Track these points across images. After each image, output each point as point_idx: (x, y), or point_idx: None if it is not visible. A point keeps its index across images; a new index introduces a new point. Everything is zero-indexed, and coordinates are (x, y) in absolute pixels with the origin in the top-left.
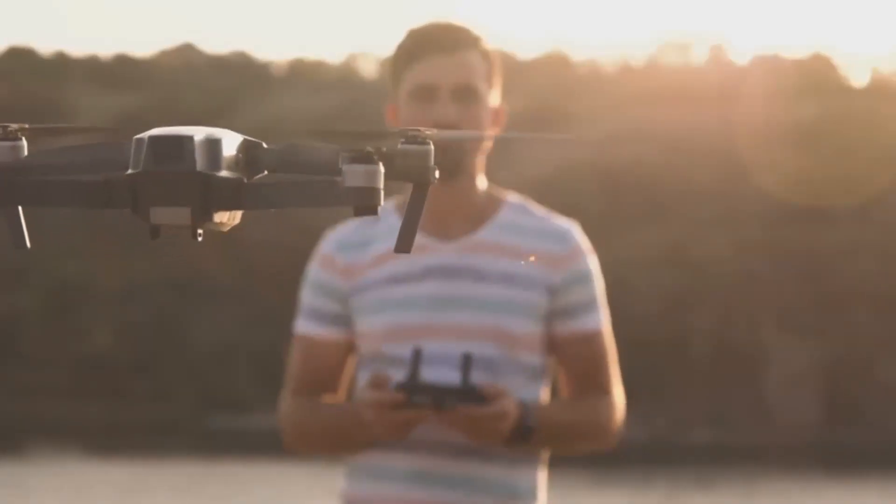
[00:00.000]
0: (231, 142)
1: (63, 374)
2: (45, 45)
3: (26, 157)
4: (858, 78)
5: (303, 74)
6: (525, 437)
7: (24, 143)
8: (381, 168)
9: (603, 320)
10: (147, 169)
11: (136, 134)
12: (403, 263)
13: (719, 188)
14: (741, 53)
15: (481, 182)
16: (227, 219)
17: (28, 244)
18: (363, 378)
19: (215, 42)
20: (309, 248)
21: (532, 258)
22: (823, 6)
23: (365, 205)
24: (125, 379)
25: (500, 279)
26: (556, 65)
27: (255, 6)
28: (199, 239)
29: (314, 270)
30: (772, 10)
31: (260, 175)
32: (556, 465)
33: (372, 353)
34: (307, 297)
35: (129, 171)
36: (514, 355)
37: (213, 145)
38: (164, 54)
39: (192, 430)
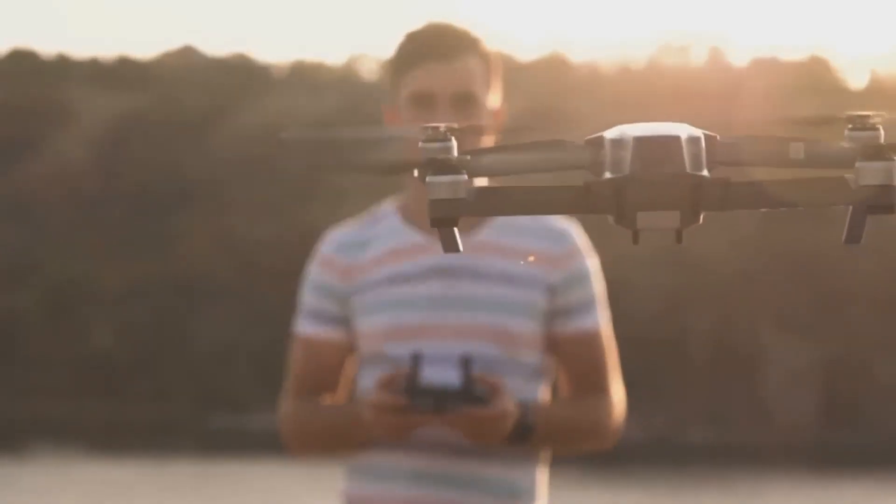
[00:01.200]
0: (701, 138)
1: (63, 374)
2: (47, 47)
3: (477, 159)
4: (857, 79)
5: (303, 76)
6: (525, 436)
7: (454, 142)
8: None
9: (602, 320)
10: (635, 172)
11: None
12: (403, 264)
13: None
14: (739, 55)
15: (481, 182)
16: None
17: (461, 249)
18: (364, 378)
19: (216, 44)
20: (309, 248)
21: (531, 258)
22: (822, 8)
23: (880, 204)
24: (125, 379)
25: (499, 279)
26: (555, 66)
27: (256, 8)
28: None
29: (314, 271)
30: (770, 11)
31: (714, 170)
32: (555, 464)
33: (372, 353)
34: (307, 297)
35: (610, 175)
36: (513, 355)
37: (695, 144)
38: (166, 56)
39: (192, 429)
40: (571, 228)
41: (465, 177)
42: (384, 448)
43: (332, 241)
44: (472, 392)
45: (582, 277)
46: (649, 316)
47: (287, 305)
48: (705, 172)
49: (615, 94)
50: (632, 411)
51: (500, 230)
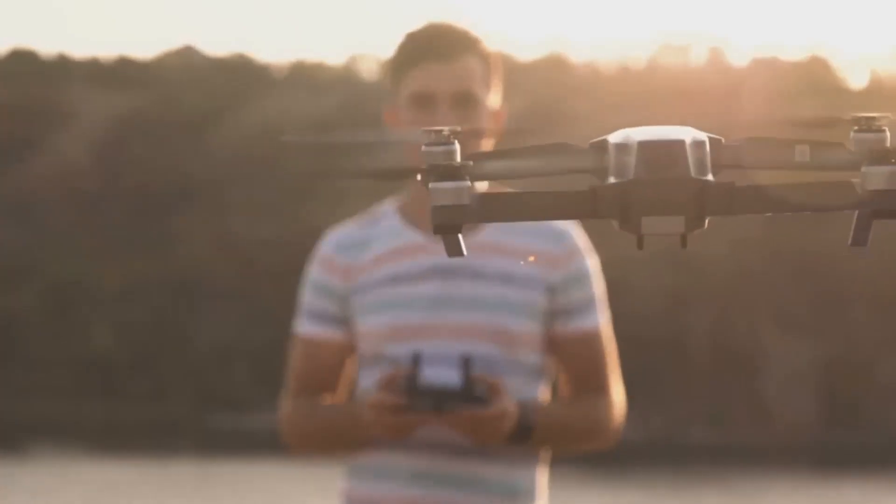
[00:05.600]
0: (706, 142)
1: (63, 374)
2: (47, 47)
3: (481, 164)
4: (857, 79)
5: (303, 76)
6: (524, 436)
7: (458, 146)
8: None
9: (602, 320)
10: (640, 177)
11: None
12: (403, 264)
13: None
14: (739, 55)
15: (481, 182)
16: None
17: (465, 253)
18: (364, 378)
19: (216, 44)
20: (309, 247)
21: (532, 258)
22: (821, 8)
23: (887, 208)
24: (125, 378)
25: (499, 279)
26: (555, 66)
27: (256, 8)
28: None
29: (314, 271)
30: (770, 11)
31: (720, 173)
32: (555, 464)
33: (372, 353)
34: (307, 297)
35: (615, 180)
36: (513, 355)
37: (700, 148)
38: (165, 56)
39: (192, 429)
40: (571, 228)
41: (468, 183)
42: (384, 448)
43: (332, 241)
44: (472, 392)
45: (582, 277)
46: (649, 316)
47: (287, 305)
48: (710, 177)
49: (615, 94)
50: (632, 411)
51: (500, 230)
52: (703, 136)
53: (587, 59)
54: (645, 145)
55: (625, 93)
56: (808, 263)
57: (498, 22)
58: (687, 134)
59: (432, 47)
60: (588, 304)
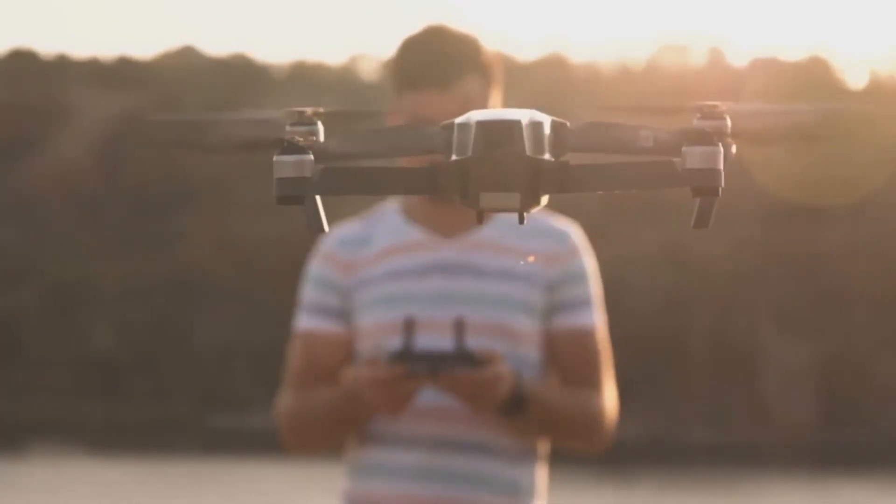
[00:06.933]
0: (545, 123)
1: (63, 374)
2: (47, 47)
3: (329, 141)
4: (856, 79)
5: (303, 76)
6: (518, 406)
7: (321, 127)
8: (721, 149)
9: (596, 320)
10: (477, 154)
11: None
12: (405, 260)
13: None
14: (739, 55)
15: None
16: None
17: (326, 228)
18: None
19: (216, 44)
20: (309, 247)
21: (531, 258)
22: (821, 8)
23: (705, 186)
24: (125, 378)
25: (499, 276)
26: (555, 66)
27: (256, 8)
28: (524, 223)
29: (315, 266)
30: (770, 11)
31: (564, 156)
32: (555, 463)
33: (373, 349)
34: (309, 292)
35: (455, 157)
36: (515, 351)
37: (537, 128)
38: (165, 56)
39: (192, 429)
40: (571, 229)
41: (311, 157)
42: (385, 445)
43: (334, 237)
44: (467, 355)
45: (579, 275)
46: (649, 315)
47: (287, 305)
48: (547, 156)
49: (615, 94)
50: (631, 411)
51: (501, 229)
52: (543, 118)
53: (587, 59)
54: (482, 124)
55: (625, 93)
56: (808, 263)
57: (498, 22)
58: (525, 115)
59: (429, 74)
60: (583, 302)
